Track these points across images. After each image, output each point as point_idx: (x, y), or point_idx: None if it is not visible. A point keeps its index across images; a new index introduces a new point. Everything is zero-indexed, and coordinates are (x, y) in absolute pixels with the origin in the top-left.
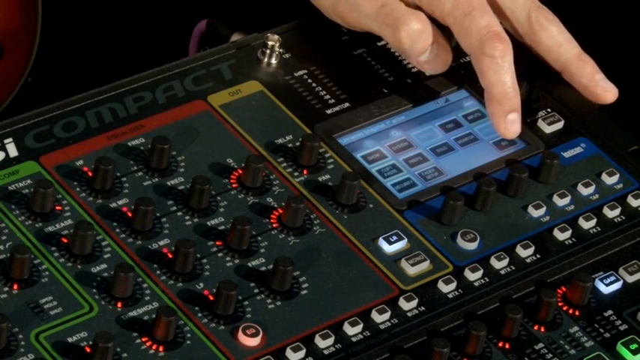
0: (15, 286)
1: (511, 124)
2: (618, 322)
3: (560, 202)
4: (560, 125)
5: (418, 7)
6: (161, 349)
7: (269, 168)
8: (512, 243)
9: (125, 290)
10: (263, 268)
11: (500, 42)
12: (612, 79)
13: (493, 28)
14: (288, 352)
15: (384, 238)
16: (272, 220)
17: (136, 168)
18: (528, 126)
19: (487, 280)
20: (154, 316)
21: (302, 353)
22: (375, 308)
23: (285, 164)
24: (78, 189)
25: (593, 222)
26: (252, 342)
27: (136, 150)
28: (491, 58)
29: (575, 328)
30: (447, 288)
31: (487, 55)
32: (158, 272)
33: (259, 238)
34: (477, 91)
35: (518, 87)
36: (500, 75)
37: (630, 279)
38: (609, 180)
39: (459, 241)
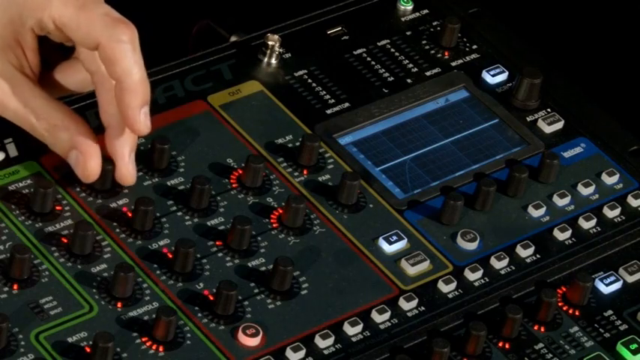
0: (15, 286)
1: (146, 118)
2: (618, 322)
3: (560, 202)
4: (560, 125)
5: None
6: (161, 349)
7: (269, 168)
8: (512, 243)
9: (125, 290)
10: (263, 268)
11: (127, 27)
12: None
13: (114, 14)
14: (288, 352)
15: (384, 238)
16: (272, 220)
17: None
18: (528, 126)
19: (487, 280)
20: (154, 316)
21: (302, 353)
22: (375, 308)
23: (285, 164)
24: (78, 189)
25: (593, 222)
26: (252, 342)
27: (135, 150)
28: (122, 44)
29: (575, 328)
30: (447, 288)
31: (117, 41)
32: (158, 272)
33: (259, 238)
34: (477, 91)
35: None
36: (135, 62)
37: (630, 279)
38: (609, 180)
39: (459, 241)
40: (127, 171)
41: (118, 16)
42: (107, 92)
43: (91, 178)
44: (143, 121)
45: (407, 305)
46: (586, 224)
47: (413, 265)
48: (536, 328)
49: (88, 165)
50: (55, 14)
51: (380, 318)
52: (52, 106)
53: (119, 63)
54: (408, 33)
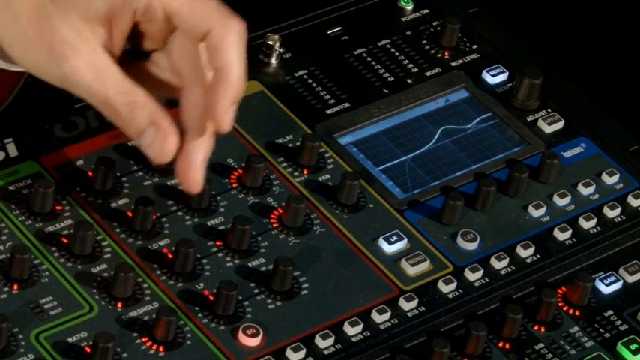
0: (15, 286)
1: (232, 116)
2: (618, 322)
3: (560, 202)
4: (560, 125)
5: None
6: (161, 349)
7: (269, 168)
8: (513, 243)
9: (125, 290)
10: (263, 268)
11: (239, 21)
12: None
13: (226, 8)
14: (288, 352)
15: (384, 238)
16: (272, 220)
17: (136, 168)
18: (528, 126)
19: (487, 280)
20: (154, 316)
21: (302, 353)
22: (375, 308)
23: (285, 164)
24: (78, 189)
25: (593, 222)
26: (252, 342)
27: (136, 150)
28: (233, 35)
29: (576, 328)
30: (447, 288)
31: (228, 31)
32: (158, 272)
33: (259, 238)
34: (477, 91)
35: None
36: (240, 56)
37: (630, 279)
38: (609, 180)
39: (459, 241)
40: (196, 179)
41: (230, 11)
42: (195, 95)
43: (165, 159)
44: (229, 118)
45: (407, 305)
46: (586, 224)
47: (413, 265)
48: (536, 328)
49: (167, 143)
50: (168, 0)
51: (380, 318)
52: (130, 81)
53: (225, 53)
54: (408, 33)
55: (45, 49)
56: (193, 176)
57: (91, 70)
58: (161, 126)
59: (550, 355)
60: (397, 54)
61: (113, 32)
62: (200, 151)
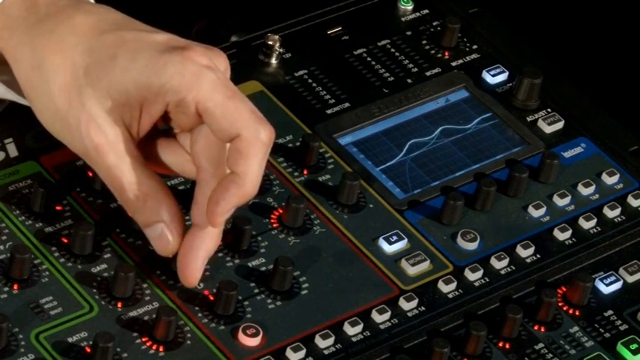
0: (15, 286)
1: (226, 218)
2: (618, 322)
3: (560, 202)
4: (560, 125)
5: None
6: (161, 349)
7: (269, 168)
8: (513, 243)
9: (125, 290)
10: (263, 268)
11: (270, 129)
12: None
13: (259, 113)
14: (288, 352)
15: (384, 238)
16: (272, 220)
17: None
18: (528, 126)
19: (487, 280)
20: (154, 316)
21: (302, 353)
22: (375, 308)
23: (285, 164)
24: (78, 189)
25: (593, 222)
26: (253, 342)
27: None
28: (260, 143)
29: (576, 328)
30: (447, 288)
31: (257, 138)
32: (158, 272)
33: (259, 238)
34: (477, 91)
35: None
36: (261, 166)
37: (630, 279)
38: (609, 180)
39: (459, 241)
40: (194, 274)
41: (263, 117)
42: (210, 191)
43: (168, 255)
44: (225, 218)
45: (407, 305)
46: (586, 224)
47: (413, 265)
48: (536, 328)
49: (171, 243)
50: (202, 98)
51: (380, 318)
52: (148, 173)
53: (249, 161)
54: (408, 33)
55: (72, 122)
56: (192, 271)
57: (113, 154)
58: (168, 225)
59: (550, 355)
60: (397, 54)
61: (142, 116)
62: (203, 249)
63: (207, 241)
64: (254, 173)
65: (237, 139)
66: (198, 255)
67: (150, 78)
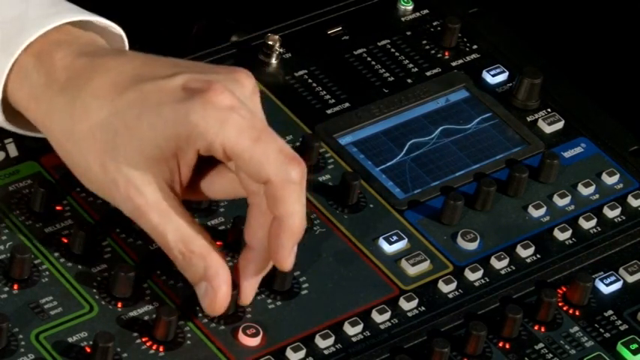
0: (15, 286)
1: (293, 256)
2: (618, 322)
3: (561, 202)
4: (560, 125)
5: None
6: (161, 349)
7: None
8: (513, 243)
9: (125, 290)
10: None
11: (299, 165)
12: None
13: (287, 150)
14: (288, 352)
15: (384, 238)
16: None
17: None
18: (528, 126)
19: (487, 280)
20: (154, 316)
21: (302, 353)
22: (375, 308)
23: None
24: (78, 189)
25: (593, 222)
26: (253, 342)
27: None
28: (292, 185)
29: (576, 328)
30: (447, 288)
31: (287, 181)
32: (158, 272)
33: None
34: (477, 91)
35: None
36: (301, 203)
37: (630, 279)
38: (609, 180)
39: (459, 241)
40: (249, 294)
41: (292, 152)
42: (262, 215)
43: (216, 313)
44: (291, 260)
45: (407, 305)
46: (586, 224)
47: (413, 265)
48: (536, 328)
49: (217, 300)
50: (228, 143)
51: (380, 318)
52: (194, 229)
53: (284, 203)
54: (408, 33)
55: (112, 187)
56: (248, 291)
57: (155, 214)
58: (214, 283)
59: (550, 355)
60: (397, 54)
61: (180, 165)
62: (259, 272)
63: (261, 264)
64: (295, 213)
65: (268, 184)
66: (252, 278)
67: (177, 129)
